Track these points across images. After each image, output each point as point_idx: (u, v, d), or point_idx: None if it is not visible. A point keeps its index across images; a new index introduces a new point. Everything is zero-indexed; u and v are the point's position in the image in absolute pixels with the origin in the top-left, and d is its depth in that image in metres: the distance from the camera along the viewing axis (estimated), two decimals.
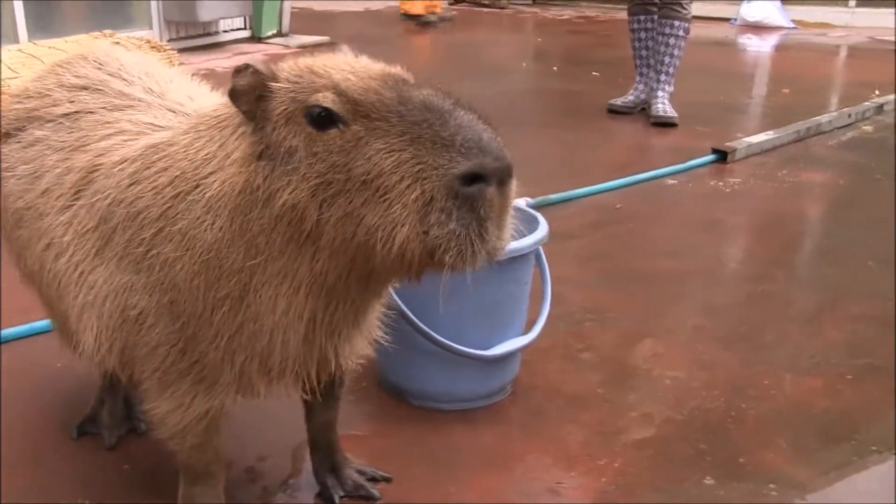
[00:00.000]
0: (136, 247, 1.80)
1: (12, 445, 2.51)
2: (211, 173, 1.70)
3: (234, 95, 1.65)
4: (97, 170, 1.96)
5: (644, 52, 6.42)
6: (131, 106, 2.11)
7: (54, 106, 2.15)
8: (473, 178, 1.48)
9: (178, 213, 1.74)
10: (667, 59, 6.22)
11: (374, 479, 2.36)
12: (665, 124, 6.17)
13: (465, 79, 7.58)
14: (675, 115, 6.21)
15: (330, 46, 9.04)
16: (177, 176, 1.75)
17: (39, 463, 2.45)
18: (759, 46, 10.30)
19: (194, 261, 1.72)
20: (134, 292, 1.83)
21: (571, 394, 2.83)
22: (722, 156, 5.37)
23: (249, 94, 1.64)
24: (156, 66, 2.30)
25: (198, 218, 1.71)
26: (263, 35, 9.23)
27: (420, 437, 2.59)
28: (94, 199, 1.92)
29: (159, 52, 7.15)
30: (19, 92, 2.27)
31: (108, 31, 7.35)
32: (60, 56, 2.48)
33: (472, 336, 2.59)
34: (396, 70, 1.68)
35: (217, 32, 8.90)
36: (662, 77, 6.28)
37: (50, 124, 2.13)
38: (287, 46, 9.01)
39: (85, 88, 2.17)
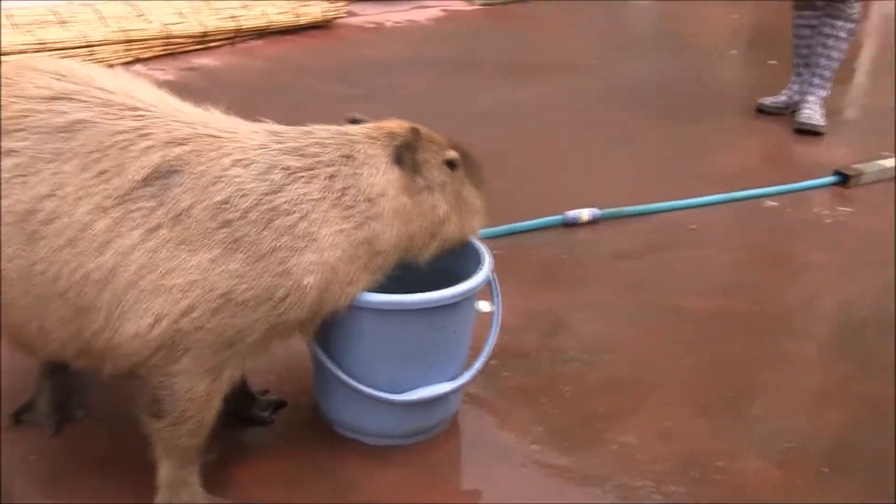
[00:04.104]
0: (274, 239, 2.21)
1: None
2: (379, 195, 2.39)
3: (406, 148, 2.44)
4: (176, 173, 2.21)
5: (804, 51, 5.91)
6: (143, 117, 2.28)
7: (24, 116, 2.26)
8: None
9: (340, 217, 2.32)
10: (823, 61, 5.70)
11: (266, 392, 2.89)
12: (808, 132, 5.69)
13: (631, 57, 7.29)
14: (823, 123, 5.70)
15: (521, 4, 8.97)
16: (346, 192, 2.35)
17: None
18: None
19: (349, 249, 2.33)
20: (245, 279, 2.18)
21: (502, 447, 2.77)
22: (844, 178, 4.90)
23: (415, 147, 2.46)
24: (125, 79, 2.44)
25: (365, 221, 2.36)
26: None
27: (322, 466, 2.65)
28: (191, 198, 2.18)
29: (332, 1, 7.43)
30: None
31: None
32: None
33: (388, 377, 2.61)
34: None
35: None
36: (816, 80, 5.77)
37: (22, 134, 2.24)
38: (471, 2, 8.99)
39: (57, 98, 2.28)
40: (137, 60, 6.49)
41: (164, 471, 2.38)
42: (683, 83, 6.73)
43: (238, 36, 7.04)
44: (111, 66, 6.27)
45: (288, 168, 2.30)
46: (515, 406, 2.97)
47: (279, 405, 2.87)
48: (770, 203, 4.65)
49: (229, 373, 2.30)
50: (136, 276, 2.15)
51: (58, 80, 2.33)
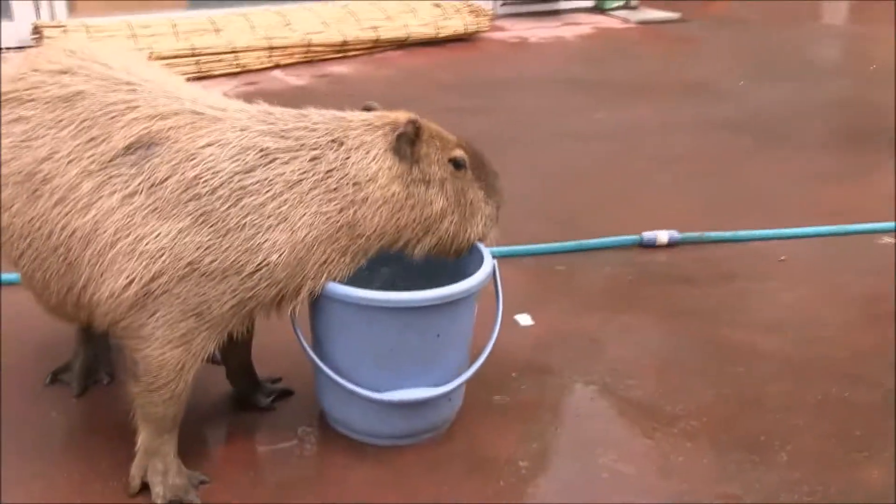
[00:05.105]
0: (241, 216, 2.29)
1: None
2: (368, 181, 2.40)
3: (404, 137, 2.44)
4: (157, 145, 2.36)
5: None
6: (135, 90, 2.45)
7: (35, 89, 2.49)
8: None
9: (321, 199, 2.36)
10: None
11: (278, 380, 2.95)
12: None
13: (786, 80, 6.86)
14: None
15: (680, 24, 8.70)
16: (330, 174, 2.39)
17: (7, 406, 2.84)
18: None
19: (327, 231, 2.37)
20: (211, 251, 2.29)
21: (488, 459, 2.68)
22: None
23: (412, 139, 2.45)
24: (129, 57, 2.64)
25: (349, 205, 2.39)
26: (607, 7, 9.09)
27: (299, 456, 2.67)
28: (167, 170, 2.32)
29: (477, 16, 7.47)
30: None
31: None
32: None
33: (371, 374, 2.57)
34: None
35: (556, 0, 8.94)
36: None
37: (32, 103, 2.47)
38: (626, 20, 8.81)
39: (64, 73, 2.49)
40: (277, 66, 6.77)
41: (142, 438, 2.48)
42: (831, 110, 6.30)
43: (377, 46, 7.20)
44: (253, 70, 6.58)
45: (264, 150, 2.37)
46: (519, 420, 2.86)
47: (284, 394, 2.91)
48: (886, 240, 4.24)
49: (201, 344, 2.36)
50: (114, 238, 2.30)
51: (68, 56, 2.55)
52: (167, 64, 2.87)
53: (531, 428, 2.82)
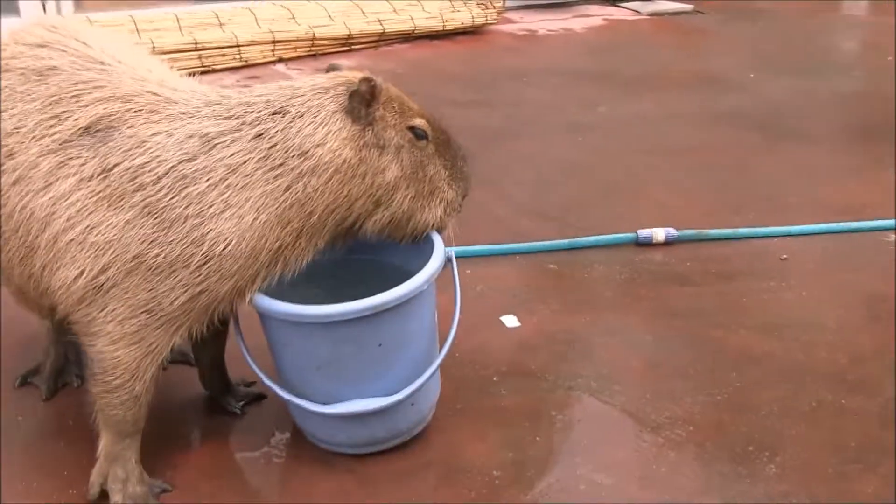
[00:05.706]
0: (184, 206, 2.20)
1: None
2: (316, 146, 2.25)
3: (356, 96, 2.27)
4: (115, 129, 2.28)
5: None
6: (105, 70, 2.38)
7: (12, 59, 2.42)
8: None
9: (270, 176, 2.24)
10: None
11: (252, 384, 2.85)
12: None
13: (798, 74, 6.67)
14: None
15: (693, 16, 8.54)
16: (273, 149, 2.25)
17: None
18: None
19: (276, 212, 2.24)
20: (156, 244, 2.20)
21: (460, 468, 2.58)
22: None
23: (367, 98, 2.28)
24: (109, 37, 2.56)
25: (297, 179, 2.24)
26: None
27: (267, 464, 2.59)
28: (118, 156, 2.24)
29: (485, 8, 7.37)
30: None
31: None
32: None
33: (315, 387, 2.47)
34: None
35: None
36: None
37: (8, 74, 2.39)
38: (637, 12, 8.66)
39: (42, 46, 2.42)
40: (280, 60, 6.69)
41: (104, 442, 2.40)
42: (841, 104, 6.13)
43: (382, 40, 7.10)
44: (257, 64, 6.50)
45: (206, 135, 2.26)
46: (497, 427, 2.76)
47: (258, 398, 2.82)
48: (893, 237, 4.09)
49: (155, 342, 2.27)
50: (67, 224, 2.22)
51: (49, 31, 2.48)
52: (170, 58, 2.77)
53: (508, 435, 2.72)
